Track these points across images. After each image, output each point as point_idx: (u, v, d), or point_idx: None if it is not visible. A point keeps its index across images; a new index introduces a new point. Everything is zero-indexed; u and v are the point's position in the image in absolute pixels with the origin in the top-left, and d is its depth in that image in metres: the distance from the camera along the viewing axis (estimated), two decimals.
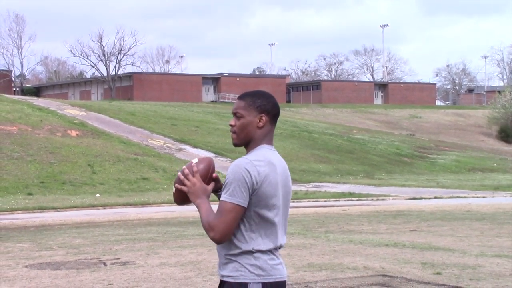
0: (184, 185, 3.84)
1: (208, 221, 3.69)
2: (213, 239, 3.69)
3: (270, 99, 3.90)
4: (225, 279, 3.76)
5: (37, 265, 12.09)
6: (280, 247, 3.83)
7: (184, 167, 3.90)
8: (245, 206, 3.67)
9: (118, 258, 12.64)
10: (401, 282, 9.79)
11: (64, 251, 13.95)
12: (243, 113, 3.85)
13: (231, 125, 3.89)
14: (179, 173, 3.89)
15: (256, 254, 3.73)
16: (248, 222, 3.71)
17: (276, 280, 3.76)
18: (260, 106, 3.85)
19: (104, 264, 12.02)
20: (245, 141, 3.84)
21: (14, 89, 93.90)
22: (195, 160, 3.88)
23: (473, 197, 30.11)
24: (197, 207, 3.80)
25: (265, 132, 3.84)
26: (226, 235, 3.68)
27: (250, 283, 3.71)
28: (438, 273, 10.35)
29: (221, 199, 3.70)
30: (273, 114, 3.88)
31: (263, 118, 3.84)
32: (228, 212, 3.65)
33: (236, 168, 3.68)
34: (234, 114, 3.89)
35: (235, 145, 3.89)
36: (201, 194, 3.80)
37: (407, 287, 9.39)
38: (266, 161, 3.73)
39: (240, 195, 3.65)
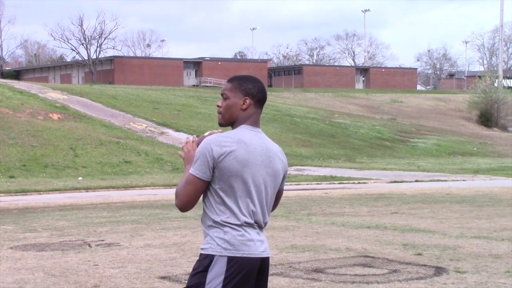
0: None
1: (176, 189, 3.91)
2: (176, 206, 3.89)
3: (257, 84, 4.03)
4: (200, 251, 3.92)
5: (22, 246, 12.16)
6: (259, 224, 3.92)
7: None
8: (206, 179, 3.84)
9: (103, 240, 12.73)
10: (383, 262, 9.97)
11: (48, 233, 14.02)
12: (229, 95, 3.99)
13: (218, 106, 4.04)
14: (183, 141, 4.11)
15: (225, 228, 3.83)
16: (216, 195, 3.86)
17: (244, 255, 3.83)
18: (245, 89, 3.98)
19: (89, 245, 12.11)
20: (230, 121, 3.99)
21: None
22: (206, 133, 4.03)
23: (453, 180, 30.40)
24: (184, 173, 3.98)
25: (248, 114, 3.97)
26: (186, 204, 3.87)
27: (215, 255, 3.83)
28: (419, 254, 10.54)
29: (190, 171, 3.89)
30: (258, 98, 4.00)
31: (247, 100, 3.97)
32: (188, 183, 3.85)
33: (203, 143, 3.86)
34: (222, 95, 4.02)
35: (220, 125, 4.04)
36: (191, 162, 3.95)
37: (389, 268, 9.56)
38: (235, 138, 3.87)
39: (200, 168, 3.83)
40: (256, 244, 3.87)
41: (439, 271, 9.24)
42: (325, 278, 8.92)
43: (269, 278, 8.77)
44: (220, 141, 3.84)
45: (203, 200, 3.95)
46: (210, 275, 3.82)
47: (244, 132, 3.92)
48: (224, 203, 3.85)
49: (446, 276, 8.88)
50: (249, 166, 3.86)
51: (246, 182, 3.85)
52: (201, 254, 3.88)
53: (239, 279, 3.81)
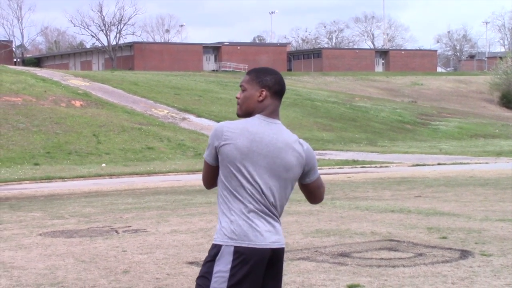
0: None
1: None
2: None
3: (274, 75, 4.09)
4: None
5: (51, 233, 12.34)
6: (268, 214, 3.93)
7: None
8: (211, 163, 4.00)
9: (129, 226, 12.88)
10: (408, 246, 10.03)
11: (75, 219, 14.21)
12: (247, 87, 4.07)
13: (237, 98, 4.13)
14: None
15: (232, 217, 3.89)
16: (221, 182, 3.97)
17: (251, 246, 3.85)
18: (261, 81, 4.06)
19: (116, 231, 12.27)
20: (246, 112, 4.06)
21: (15, 59, 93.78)
22: None
23: (476, 163, 30.32)
24: None
25: (264, 105, 4.03)
26: (204, 183, 4.15)
27: (222, 245, 3.88)
28: (444, 237, 10.59)
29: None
30: (274, 90, 4.06)
31: (263, 92, 4.04)
32: (204, 166, 4.08)
33: (213, 129, 4.00)
34: (240, 87, 4.12)
35: (238, 115, 4.11)
36: None
37: (414, 251, 9.63)
38: (240, 127, 3.94)
39: (207, 152, 4.00)
40: (264, 235, 3.88)
41: (464, 254, 9.30)
42: (351, 262, 9.01)
43: (296, 262, 8.95)
44: (223, 128, 3.94)
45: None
46: (217, 265, 3.87)
47: (253, 121, 3.99)
48: (229, 191, 3.92)
49: (472, 259, 8.93)
50: (250, 155, 3.89)
51: (248, 170, 3.89)
52: (212, 244, 3.96)
53: (247, 270, 3.83)
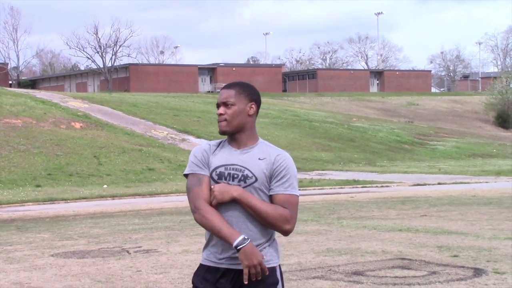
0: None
1: (295, 221, 3.99)
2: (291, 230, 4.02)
3: (255, 89, 4.14)
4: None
5: (62, 254, 12.41)
6: None
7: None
8: None
9: (140, 247, 12.96)
10: (421, 264, 10.14)
11: (85, 240, 14.28)
12: (234, 101, 3.99)
13: (220, 114, 4.02)
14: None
15: None
16: None
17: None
18: (249, 95, 4.04)
19: (128, 252, 12.34)
20: (237, 129, 3.98)
21: (10, 82, 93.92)
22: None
23: (476, 182, 30.46)
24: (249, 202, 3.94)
25: (253, 119, 4.04)
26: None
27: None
28: (456, 256, 10.70)
29: (292, 192, 3.96)
30: (259, 103, 4.10)
31: (253, 106, 4.04)
32: (297, 205, 3.99)
33: (292, 162, 4.02)
34: (224, 103, 4.01)
35: (224, 132, 4.00)
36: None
37: (427, 269, 9.73)
38: None
39: None
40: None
41: (478, 272, 9.41)
42: (366, 281, 9.10)
43: (312, 281, 9.06)
44: None
45: None
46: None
47: None
48: None
49: (486, 277, 9.04)
50: None
51: None
52: None
53: None
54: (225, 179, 3.95)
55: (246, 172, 3.93)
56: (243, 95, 4.01)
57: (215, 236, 3.94)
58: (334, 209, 19.61)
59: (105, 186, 31.48)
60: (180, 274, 9.89)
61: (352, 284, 8.92)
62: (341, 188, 29.75)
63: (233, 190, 3.88)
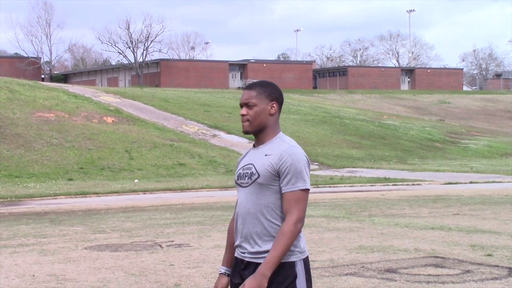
0: None
1: (299, 217, 3.96)
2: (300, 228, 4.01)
3: (276, 87, 4.16)
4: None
5: (96, 247, 12.53)
6: None
7: None
8: None
9: (172, 241, 13.03)
10: (454, 263, 10.08)
11: (117, 234, 14.39)
12: (256, 102, 4.07)
13: (243, 115, 4.09)
14: None
15: None
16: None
17: None
18: (270, 94, 4.10)
19: (160, 246, 12.42)
20: (259, 128, 4.07)
21: (42, 76, 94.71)
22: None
23: (509, 181, 30.17)
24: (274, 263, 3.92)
25: (276, 118, 4.11)
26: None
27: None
28: (489, 255, 10.62)
29: (301, 188, 3.96)
30: (281, 101, 4.14)
31: (274, 105, 4.09)
32: (306, 199, 4.00)
33: (302, 156, 4.01)
34: (246, 104, 4.09)
35: (247, 132, 4.09)
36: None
37: (461, 268, 9.67)
38: None
39: (308, 181, 4.04)
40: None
41: None
42: (400, 278, 9.07)
43: (344, 278, 9.05)
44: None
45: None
46: None
47: None
48: None
49: None
50: None
51: None
52: None
53: None
54: (241, 178, 4.11)
55: (253, 169, 4.05)
56: (264, 95, 4.07)
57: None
58: (365, 206, 19.55)
59: (136, 180, 31.67)
60: (213, 269, 9.94)
61: (385, 282, 8.90)
62: (372, 185, 29.65)
63: (258, 279, 3.88)
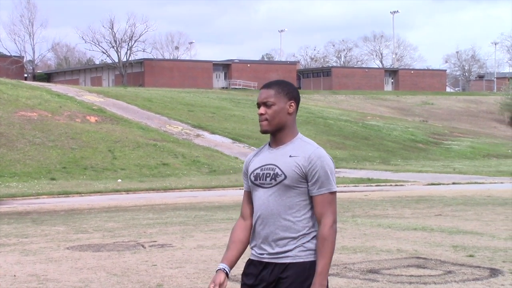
0: None
1: (334, 219, 3.96)
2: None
3: (294, 86, 4.13)
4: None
5: (78, 247, 12.48)
6: None
7: None
8: None
9: (155, 241, 13.00)
10: (436, 263, 10.12)
11: (100, 234, 14.34)
12: (274, 101, 4.03)
13: (261, 114, 4.05)
14: None
15: None
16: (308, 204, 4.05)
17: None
18: (288, 93, 4.06)
19: (143, 246, 12.39)
20: (278, 127, 4.02)
21: (25, 75, 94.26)
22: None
23: (491, 182, 30.33)
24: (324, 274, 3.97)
25: (294, 117, 4.07)
26: None
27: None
28: (471, 256, 10.67)
29: (332, 190, 3.96)
30: (298, 100, 4.11)
31: (293, 104, 4.06)
32: (336, 201, 4.00)
33: (327, 158, 4.00)
34: (264, 103, 4.05)
35: (265, 131, 4.05)
36: None
37: (443, 269, 9.71)
38: None
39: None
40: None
41: (494, 272, 9.37)
42: (382, 279, 9.10)
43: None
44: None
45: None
46: None
47: None
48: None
49: (502, 278, 9.01)
50: None
51: None
52: None
53: None
54: (260, 179, 4.04)
55: (277, 170, 3.99)
56: (282, 94, 4.04)
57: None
58: (348, 207, 19.59)
59: (119, 180, 31.57)
60: (196, 269, 9.92)
61: (368, 282, 8.92)
62: (355, 186, 29.72)
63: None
